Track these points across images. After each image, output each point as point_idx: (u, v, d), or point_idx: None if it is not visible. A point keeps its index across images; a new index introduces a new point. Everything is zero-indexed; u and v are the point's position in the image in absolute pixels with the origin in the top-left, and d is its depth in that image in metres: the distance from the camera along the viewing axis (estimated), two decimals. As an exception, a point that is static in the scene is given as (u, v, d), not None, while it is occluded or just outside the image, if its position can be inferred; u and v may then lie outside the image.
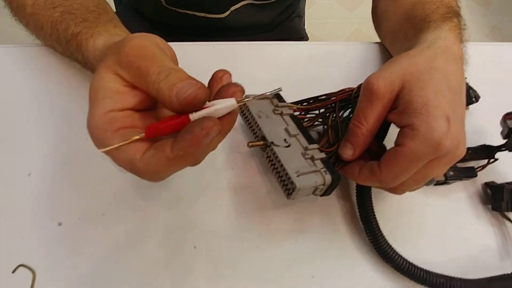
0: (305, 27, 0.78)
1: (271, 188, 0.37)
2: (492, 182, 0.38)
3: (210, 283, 0.33)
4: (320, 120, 0.36)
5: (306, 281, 0.34)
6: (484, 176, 0.39)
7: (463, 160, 0.37)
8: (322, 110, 0.36)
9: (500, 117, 0.37)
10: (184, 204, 0.36)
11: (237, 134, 0.39)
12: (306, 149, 0.32)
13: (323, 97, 0.36)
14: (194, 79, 0.23)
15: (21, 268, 0.33)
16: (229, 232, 0.35)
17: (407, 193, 0.37)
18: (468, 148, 0.38)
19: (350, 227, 0.36)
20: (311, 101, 0.36)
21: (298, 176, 0.29)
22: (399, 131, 0.29)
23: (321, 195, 0.32)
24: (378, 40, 0.48)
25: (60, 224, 0.35)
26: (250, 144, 0.32)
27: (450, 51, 0.32)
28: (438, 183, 0.38)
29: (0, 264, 0.33)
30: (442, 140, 0.27)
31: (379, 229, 0.33)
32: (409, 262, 0.32)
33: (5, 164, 0.37)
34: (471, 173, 0.37)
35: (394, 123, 0.30)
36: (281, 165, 0.30)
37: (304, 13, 0.78)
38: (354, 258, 0.35)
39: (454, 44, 0.33)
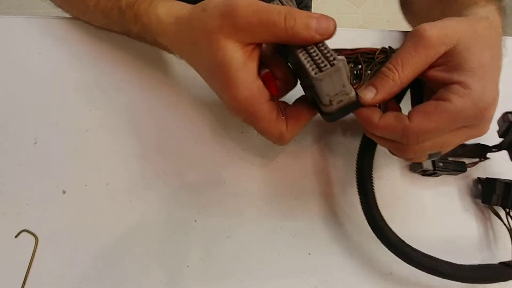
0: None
1: (273, 167, 0.38)
2: (484, 178, 0.38)
3: (209, 257, 0.34)
4: None
5: (304, 258, 0.34)
6: (473, 174, 0.39)
7: (456, 155, 0.38)
8: None
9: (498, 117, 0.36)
10: (187, 177, 0.37)
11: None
12: None
13: (340, 49, 0.32)
14: (316, 14, 0.26)
15: (24, 233, 0.34)
16: (229, 208, 0.36)
17: (396, 181, 0.38)
18: (463, 145, 0.38)
19: (347, 206, 0.37)
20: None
21: (341, 59, 0.26)
22: (444, 88, 0.26)
23: (329, 113, 0.28)
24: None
25: (64, 192, 0.35)
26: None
27: (498, 30, 0.30)
28: (427, 173, 0.38)
29: (3, 229, 0.34)
30: (490, 106, 0.25)
31: (375, 203, 0.32)
32: (398, 237, 0.31)
33: (12, 132, 0.38)
34: (460, 167, 0.37)
35: (436, 81, 0.27)
36: (322, 46, 0.26)
37: (311, 5, 0.78)
38: (349, 237, 0.35)
39: (499, 25, 0.30)
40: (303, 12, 0.26)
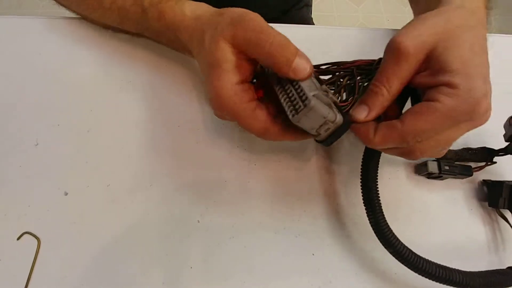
0: (311, 18, 0.78)
1: (275, 167, 0.37)
2: (489, 180, 0.38)
3: (211, 258, 0.34)
4: (332, 87, 0.33)
5: (307, 259, 0.34)
6: (479, 176, 0.39)
7: (462, 159, 0.37)
8: (337, 74, 0.33)
9: (505, 120, 0.36)
10: (189, 178, 0.37)
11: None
12: (320, 83, 0.30)
13: (340, 62, 0.33)
14: (302, 55, 0.28)
15: (26, 236, 0.34)
16: (232, 208, 0.36)
17: (401, 183, 0.38)
18: (469, 149, 0.38)
19: (351, 206, 0.36)
20: (325, 66, 0.33)
21: (314, 95, 0.27)
22: (432, 89, 0.27)
23: (322, 141, 0.29)
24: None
25: (66, 193, 0.35)
26: (259, 67, 0.30)
27: (478, 14, 0.29)
28: (432, 176, 0.38)
29: (5, 231, 0.34)
30: (481, 101, 0.25)
31: (381, 210, 0.32)
32: (409, 249, 0.31)
33: (13, 133, 0.37)
34: (466, 171, 0.37)
35: (423, 86, 0.28)
36: (296, 84, 0.28)
37: (312, 3, 0.78)
38: (352, 237, 0.35)
39: (480, 9, 0.30)
40: (292, 46, 0.28)
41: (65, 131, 0.38)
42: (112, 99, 0.39)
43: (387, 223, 0.32)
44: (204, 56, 0.31)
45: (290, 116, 0.27)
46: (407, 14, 1.55)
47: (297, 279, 0.34)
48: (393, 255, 0.31)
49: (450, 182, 0.38)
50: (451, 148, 0.37)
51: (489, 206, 0.37)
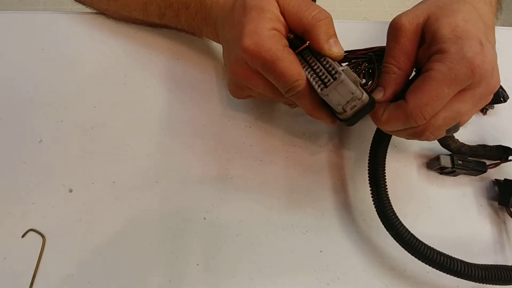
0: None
1: (282, 163, 0.37)
2: (502, 179, 0.37)
3: (218, 255, 0.33)
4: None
5: (315, 255, 0.34)
6: (490, 176, 0.38)
7: (477, 156, 0.37)
8: (353, 61, 0.34)
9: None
10: (195, 174, 0.36)
11: (250, 107, 0.39)
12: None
13: (354, 50, 0.34)
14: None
15: (31, 233, 0.33)
16: (238, 205, 0.35)
17: (412, 178, 0.37)
18: (484, 145, 0.37)
19: (359, 201, 0.36)
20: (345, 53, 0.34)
21: (343, 70, 0.27)
22: (427, 61, 0.27)
23: (346, 119, 0.29)
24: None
25: (71, 190, 0.35)
26: (290, 34, 0.29)
27: None
28: (445, 172, 0.37)
29: (10, 228, 0.33)
30: (475, 59, 0.25)
31: (386, 191, 0.31)
32: (413, 236, 0.31)
33: (16, 130, 0.37)
34: (480, 167, 0.36)
35: (423, 61, 0.28)
36: (324, 60, 0.28)
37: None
38: (361, 234, 0.35)
39: None
40: (332, 29, 0.28)
41: (69, 128, 0.37)
42: (115, 95, 0.39)
43: (391, 204, 0.31)
44: (242, 4, 0.29)
45: (319, 90, 0.27)
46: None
47: (305, 276, 0.33)
48: (394, 238, 0.31)
49: (461, 179, 0.38)
50: (466, 143, 0.36)
51: (499, 204, 0.36)
